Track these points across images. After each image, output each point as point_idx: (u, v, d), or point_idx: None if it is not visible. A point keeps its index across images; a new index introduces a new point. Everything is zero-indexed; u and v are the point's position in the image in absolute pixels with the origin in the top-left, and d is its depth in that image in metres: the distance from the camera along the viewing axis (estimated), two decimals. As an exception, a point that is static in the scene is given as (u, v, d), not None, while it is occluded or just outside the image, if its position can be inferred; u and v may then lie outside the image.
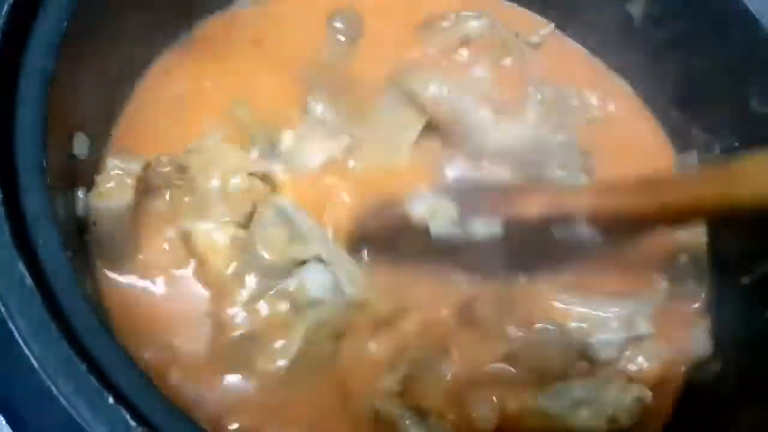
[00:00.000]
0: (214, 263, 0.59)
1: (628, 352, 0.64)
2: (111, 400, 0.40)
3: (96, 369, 0.41)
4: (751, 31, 0.64)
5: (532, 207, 0.59)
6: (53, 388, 0.40)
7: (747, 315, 0.66)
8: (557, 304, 0.64)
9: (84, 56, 0.57)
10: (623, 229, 0.59)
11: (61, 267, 0.44)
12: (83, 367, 0.41)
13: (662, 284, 0.69)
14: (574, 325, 0.63)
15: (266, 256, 0.57)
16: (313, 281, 0.58)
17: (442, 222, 0.59)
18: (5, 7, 0.48)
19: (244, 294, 0.57)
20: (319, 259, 0.58)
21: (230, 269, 0.59)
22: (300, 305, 0.58)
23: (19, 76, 0.50)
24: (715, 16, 0.67)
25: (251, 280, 0.58)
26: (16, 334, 0.41)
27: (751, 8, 0.64)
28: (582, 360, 0.64)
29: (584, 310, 0.64)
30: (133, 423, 0.40)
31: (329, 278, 0.58)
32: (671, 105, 0.75)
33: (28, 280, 0.42)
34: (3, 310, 0.41)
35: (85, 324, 0.43)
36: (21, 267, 0.42)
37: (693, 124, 0.73)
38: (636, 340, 0.64)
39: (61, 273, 0.44)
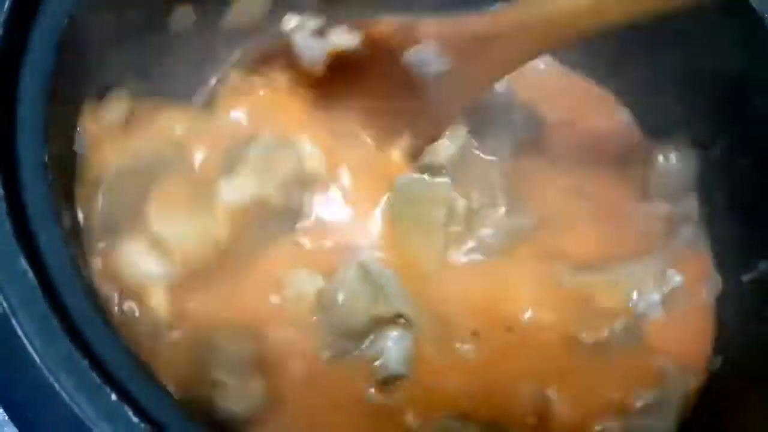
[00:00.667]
0: (294, 313, 0.56)
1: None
2: (114, 396, 0.40)
3: (98, 365, 0.41)
4: (753, 29, 0.64)
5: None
6: (55, 384, 0.39)
7: (748, 313, 0.66)
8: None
9: (85, 52, 0.56)
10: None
11: (63, 262, 0.44)
12: (85, 363, 0.40)
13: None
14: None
15: (348, 318, 0.55)
16: (396, 353, 0.56)
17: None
18: (6, 2, 0.48)
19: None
20: (401, 319, 0.56)
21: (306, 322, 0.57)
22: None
23: (20, 71, 0.49)
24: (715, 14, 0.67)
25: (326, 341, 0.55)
26: (17, 329, 0.40)
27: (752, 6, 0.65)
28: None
29: (615, 277, 0.63)
30: (135, 419, 0.40)
31: (410, 346, 0.55)
32: (672, 105, 0.75)
33: (30, 275, 0.42)
34: (5, 305, 0.41)
35: (88, 320, 0.43)
36: (23, 262, 0.42)
37: (693, 123, 0.73)
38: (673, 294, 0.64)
39: (63, 268, 0.44)
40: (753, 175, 0.67)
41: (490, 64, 0.59)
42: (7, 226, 0.43)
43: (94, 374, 0.40)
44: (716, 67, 0.69)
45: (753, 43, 0.65)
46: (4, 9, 0.48)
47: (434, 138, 0.65)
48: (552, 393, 0.60)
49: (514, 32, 0.55)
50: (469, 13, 0.58)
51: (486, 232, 0.64)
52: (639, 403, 0.60)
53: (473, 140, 0.67)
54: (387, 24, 0.60)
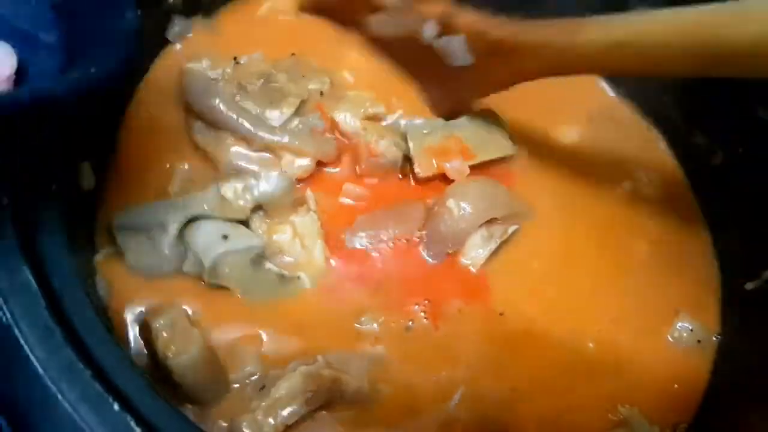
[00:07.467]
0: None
1: None
2: (116, 406, 0.40)
3: (101, 375, 0.41)
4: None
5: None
6: (58, 394, 0.40)
7: (751, 321, 0.66)
8: None
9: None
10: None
11: (67, 273, 0.44)
12: (88, 373, 0.41)
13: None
14: None
15: None
16: None
17: None
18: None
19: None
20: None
21: None
22: None
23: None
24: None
25: None
26: (21, 339, 0.41)
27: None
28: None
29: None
30: (138, 429, 0.40)
31: None
32: (675, 113, 0.75)
33: (34, 286, 0.42)
34: (8, 315, 0.41)
35: (91, 330, 0.43)
36: (26, 272, 0.42)
37: (697, 132, 0.73)
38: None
39: (66, 279, 0.44)
40: (756, 184, 0.67)
41: (506, 72, 0.64)
42: (11, 236, 0.43)
43: (96, 384, 0.41)
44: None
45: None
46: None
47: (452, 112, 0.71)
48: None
49: (537, 50, 0.60)
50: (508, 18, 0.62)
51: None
52: None
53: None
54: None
